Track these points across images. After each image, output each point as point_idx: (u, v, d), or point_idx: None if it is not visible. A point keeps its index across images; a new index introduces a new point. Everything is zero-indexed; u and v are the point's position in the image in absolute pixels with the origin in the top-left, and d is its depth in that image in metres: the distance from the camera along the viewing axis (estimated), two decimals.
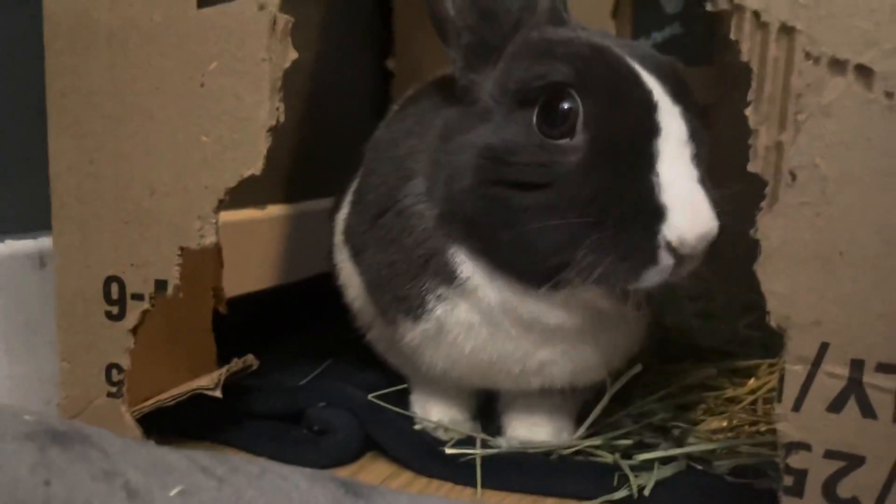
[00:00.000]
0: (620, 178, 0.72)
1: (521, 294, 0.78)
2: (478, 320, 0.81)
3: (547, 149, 0.74)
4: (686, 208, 0.70)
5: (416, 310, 0.83)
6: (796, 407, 0.64)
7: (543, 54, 0.76)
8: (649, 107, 0.73)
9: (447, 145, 0.80)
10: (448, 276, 0.80)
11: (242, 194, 0.84)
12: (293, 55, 0.75)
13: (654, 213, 0.70)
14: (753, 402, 0.98)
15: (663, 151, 0.72)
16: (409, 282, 0.83)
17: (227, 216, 0.82)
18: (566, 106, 0.74)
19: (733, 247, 0.74)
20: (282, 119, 0.76)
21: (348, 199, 0.98)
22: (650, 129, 0.72)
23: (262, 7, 0.75)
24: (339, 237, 0.98)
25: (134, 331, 0.84)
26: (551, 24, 0.82)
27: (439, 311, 0.82)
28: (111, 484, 0.49)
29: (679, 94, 0.75)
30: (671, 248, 0.70)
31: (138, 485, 0.50)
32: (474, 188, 0.76)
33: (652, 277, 0.71)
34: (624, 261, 0.71)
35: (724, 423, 0.92)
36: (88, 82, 0.84)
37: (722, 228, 0.72)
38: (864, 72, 0.60)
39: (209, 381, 0.85)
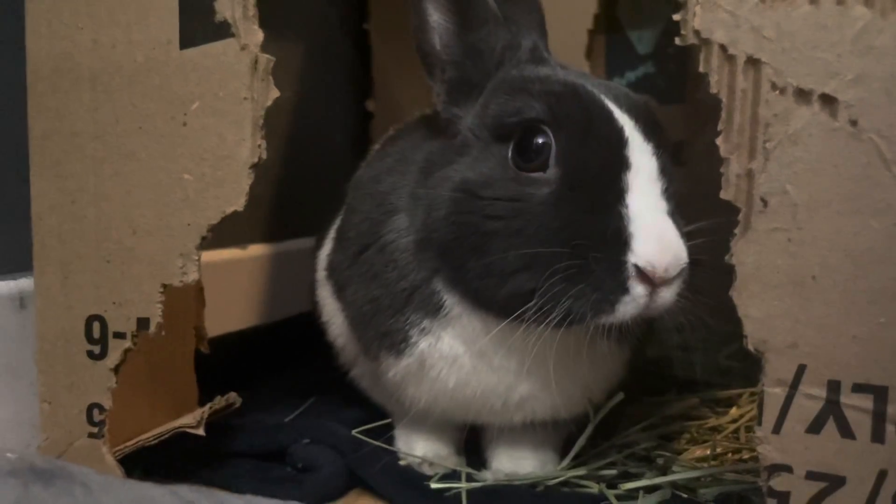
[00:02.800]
0: (590, 211, 0.73)
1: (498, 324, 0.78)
2: (462, 351, 0.81)
3: (520, 181, 0.75)
4: (653, 235, 0.71)
5: (399, 344, 0.83)
6: (776, 429, 0.65)
7: (520, 91, 0.78)
8: (620, 143, 0.74)
9: (427, 180, 0.81)
10: (432, 308, 0.81)
11: (224, 234, 0.85)
12: (275, 93, 0.77)
13: (623, 242, 0.71)
14: (736, 431, 0.98)
15: (633, 185, 0.73)
16: (392, 316, 0.83)
17: (208, 256, 0.82)
18: (540, 141, 0.75)
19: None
20: (264, 156, 0.77)
21: (331, 235, 0.99)
22: (620, 164, 0.74)
23: (243, 47, 0.76)
24: (321, 273, 0.99)
25: (116, 369, 0.83)
26: (532, 62, 0.84)
27: (423, 344, 0.82)
28: None
29: (651, 131, 0.77)
30: (642, 276, 0.70)
31: None
32: (448, 217, 0.78)
33: (626, 309, 0.71)
34: (595, 291, 0.71)
35: (708, 452, 0.92)
36: (71, 123, 0.85)
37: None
38: (828, 101, 0.62)
39: (192, 420, 0.85)
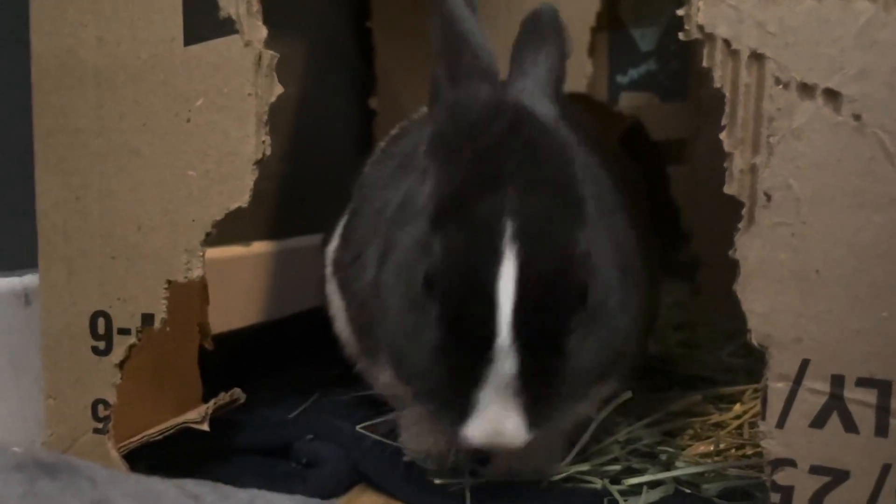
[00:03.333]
0: (457, 368, 0.71)
1: None
2: None
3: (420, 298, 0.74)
4: (482, 422, 0.69)
5: None
6: (780, 424, 0.65)
7: (423, 247, 0.74)
8: (485, 339, 0.69)
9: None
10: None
11: (227, 231, 0.85)
12: (279, 89, 0.77)
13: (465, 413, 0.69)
14: (739, 427, 0.98)
15: (489, 379, 0.69)
16: None
17: (212, 253, 0.82)
18: (428, 290, 0.73)
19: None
20: (268, 152, 0.78)
21: (338, 231, 1.00)
22: (482, 361, 0.69)
23: (247, 44, 0.76)
24: (329, 269, 0.99)
25: (121, 365, 0.84)
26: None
27: None
28: None
29: (542, 296, 0.70)
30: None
31: None
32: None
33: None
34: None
35: (711, 448, 0.92)
36: (75, 121, 0.85)
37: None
38: (832, 95, 0.62)
39: (196, 415, 0.85)
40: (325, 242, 1.05)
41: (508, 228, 0.69)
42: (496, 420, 0.69)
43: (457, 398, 0.70)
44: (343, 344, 1.03)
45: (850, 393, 0.63)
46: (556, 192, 0.73)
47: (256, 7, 0.76)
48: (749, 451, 0.91)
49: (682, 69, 1.80)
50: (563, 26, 0.83)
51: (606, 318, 0.75)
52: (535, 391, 0.69)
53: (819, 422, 0.64)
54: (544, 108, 0.80)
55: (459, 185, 0.73)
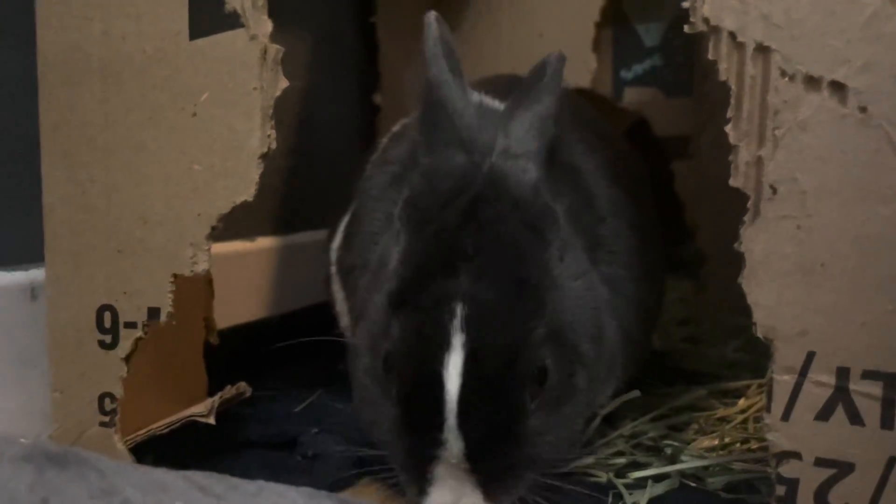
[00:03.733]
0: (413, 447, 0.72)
1: None
2: None
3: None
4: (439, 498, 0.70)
5: None
6: (785, 416, 0.65)
7: (384, 325, 0.76)
8: (433, 427, 0.70)
9: None
10: None
11: (232, 226, 0.86)
12: (284, 83, 0.77)
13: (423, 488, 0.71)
14: (744, 422, 0.98)
15: (439, 475, 0.71)
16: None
17: (217, 248, 0.82)
18: (387, 370, 0.76)
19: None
20: (273, 146, 0.78)
21: (340, 229, 1.00)
22: (432, 453, 0.71)
23: (252, 38, 0.76)
24: (333, 267, 1.00)
25: (127, 359, 0.84)
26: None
27: None
28: (109, 502, 0.49)
29: (481, 401, 0.70)
30: None
31: (136, 503, 0.50)
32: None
33: None
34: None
35: (716, 442, 0.92)
36: (81, 115, 0.85)
37: None
38: (837, 88, 0.62)
39: (203, 408, 0.85)
40: (329, 240, 1.06)
41: (458, 314, 0.70)
42: (452, 497, 0.70)
43: (415, 473, 0.72)
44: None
45: (856, 385, 0.63)
46: (511, 277, 0.73)
47: (262, 1, 0.76)
48: (754, 446, 0.91)
49: (686, 64, 1.80)
50: (561, 79, 0.82)
51: (572, 392, 0.76)
52: (490, 469, 0.70)
53: (824, 414, 0.64)
54: (522, 174, 0.79)
55: (416, 267, 0.75)
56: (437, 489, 0.70)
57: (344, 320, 1.00)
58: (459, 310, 0.70)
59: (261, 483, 0.57)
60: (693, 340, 1.40)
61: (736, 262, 0.67)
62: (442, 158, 0.81)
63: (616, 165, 0.95)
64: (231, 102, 0.78)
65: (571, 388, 0.76)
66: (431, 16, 0.83)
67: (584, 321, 0.79)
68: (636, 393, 0.87)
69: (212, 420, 0.85)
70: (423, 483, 0.71)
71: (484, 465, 0.70)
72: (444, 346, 0.70)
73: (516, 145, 0.79)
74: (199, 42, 0.79)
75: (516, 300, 0.72)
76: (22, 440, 0.55)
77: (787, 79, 0.63)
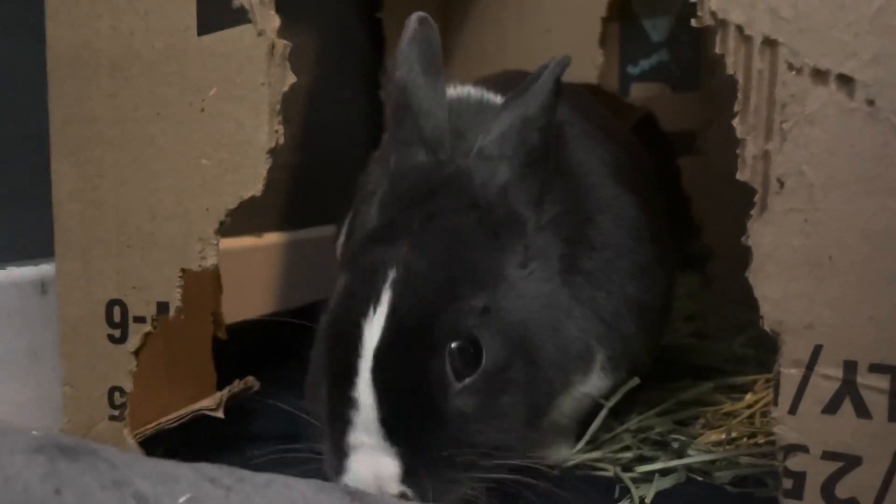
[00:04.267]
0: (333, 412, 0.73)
1: None
2: None
3: None
4: (354, 473, 0.69)
5: None
6: (792, 410, 0.65)
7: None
8: (349, 378, 0.71)
9: None
10: None
11: (240, 222, 0.86)
12: (291, 79, 0.77)
13: (339, 466, 0.71)
14: (751, 416, 0.98)
15: (353, 421, 0.70)
16: None
17: (225, 244, 0.83)
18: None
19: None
20: (281, 141, 0.78)
21: (345, 225, 1.01)
22: (348, 402, 0.71)
23: (260, 33, 0.77)
24: (339, 262, 1.01)
25: (136, 353, 0.84)
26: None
27: None
28: (121, 492, 0.50)
29: (392, 366, 0.70)
30: None
31: (147, 493, 0.50)
32: None
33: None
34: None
35: (723, 436, 0.93)
36: (90, 110, 0.86)
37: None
38: (845, 81, 0.62)
39: (212, 402, 0.86)
40: (337, 236, 1.06)
41: (389, 277, 0.72)
42: (366, 466, 0.69)
43: (333, 448, 0.72)
44: None
45: (863, 379, 0.63)
46: (449, 254, 0.74)
47: None
48: (761, 440, 0.91)
49: (693, 59, 1.79)
50: (554, 83, 0.79)
51: (513, 385, 0.74)
52: (410, 442, 0.69)
53: (832, 408, 0.64)
54: (491, 176, 0.79)
55: (365, 238, 0.80)
56: (353, 463, 0.69)
57: None
58: (392, 273, 0.72)
59: (270, 475, 0.58)
60: (700, 335, 1.40)
61: (743, 257, 0.67)
62: (404, 157, 0.83)
63: (619, 161, 0.95)
64: (239, 98, 0.79)
65: (512, 381, 0.74)
66: (414, 17, 0.85)
67: (541, 323, 0.78)
68: (636, 381, 0.87)
69: (220, 414, 0.86)
70: (340, 457, 0.70)
71: (400, 434, 0.69)
72: (369, 303, 0.71)
73: (492, 146, 0.79)
74: (207, 38, 0.80)
75: (448, 272, 0.73)
76: (34, 432, 0.56)
77: (794, 72, 0.63)
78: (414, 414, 0.70)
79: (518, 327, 0.76)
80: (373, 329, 0.70)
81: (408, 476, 0.68)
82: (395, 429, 0.69)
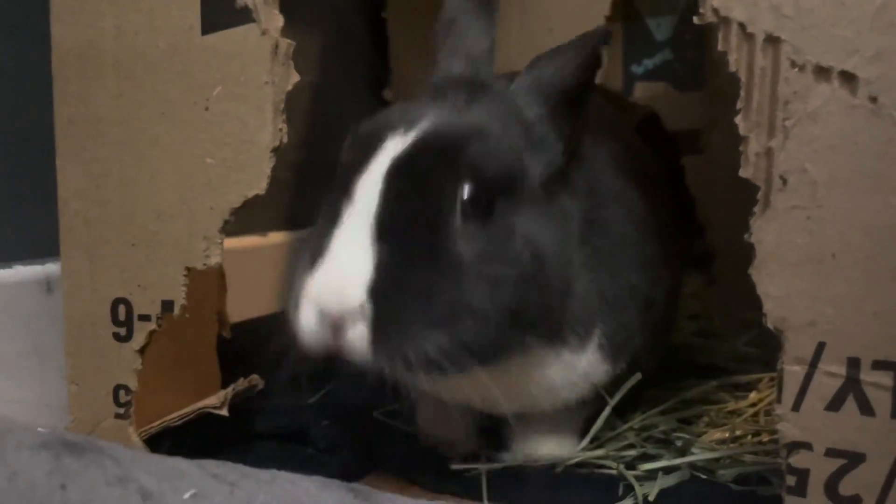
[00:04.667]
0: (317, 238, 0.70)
1: None
2: None
3: None
4: (324, 267, 0.65)
5: None
6: (796, 407, 0.65)
7: None
8: (355, 173, 0.70)
9: None
10: None
11: (245, 222, 0.86)
12: (295, 78, 0.78)
13: (312, 266, 0.67)
14: (755, 415, 0.98)
15: (344, 219, 0.68)
16: None
17: (229, 243, 0.83)
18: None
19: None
20: (285, 140, 0.79)
21: None
22: (345, 195, 0.70)
23: (264, 32, 0.77)
24: None
25: (141, 351, 0.85)
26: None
27: None
28: (125, 488, 0.50)
29: (406, 172, 0.69)
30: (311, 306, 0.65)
31: (152, 489, 0.51)
32: None
33: (306, 339, 0.66)
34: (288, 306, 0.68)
35: (727, 435, 0.93)
36: (95, 109, 0.86)
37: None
38: (848, 78, 0.62)
39: (216, 400, 0.86)
40: None
41: (428, 109, 0.74)
42: (336, 269, 0.65)
43: (313, 253, 0.67)
44: None
45: (866, 376, 0.63)
46: (494, 118, 0.75)
47: None
48: (765, 438, 0.91)
49: (697, 58, 1.79)
50: (596, 49, 0.78)
51: (507, 266, 0.69)
52: (393, 250, 0.65)
53: (835, 405, 0.64)
54: (527, 101, 0.79)
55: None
56: (324, 262, 0.65)
57: None
58: (430, 108, 0.74)
59: (274, 471, 0.58)
60: (704, 334, 1.40)
61: (747, 256, 0.67)
62: (447, 68, 0.85)
63: (626, 158, 0.95)
64: (243, 97, 0.79)
65: (511, 263, 0.70)
66: None
67: (555, 251, 0.75)
68: (638, 376, 0.87)
69: (225, 412, 0.86)
70: (314, 257, 0.66)
71: (388, 239, 0.65)
72: (402, 122, 0.72)
73: (531, 80, 0.80)
74: (211, 37, 0.80)
75: (488, 126, 0.73)
76: (40, 429, 0.56)
77: (797, 69, 0.63)
78: (410, 227, 0.67)
79: (535, 234, 0.73)
80: (397, 142, 0.70)
81: (376, 293, 0.64)
82: (385, 230, 0.66)
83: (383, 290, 0.64)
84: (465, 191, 0.69)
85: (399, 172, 0.68)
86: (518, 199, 0.73)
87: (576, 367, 0.84)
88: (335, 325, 0.64)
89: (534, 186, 0.76)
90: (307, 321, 0.65)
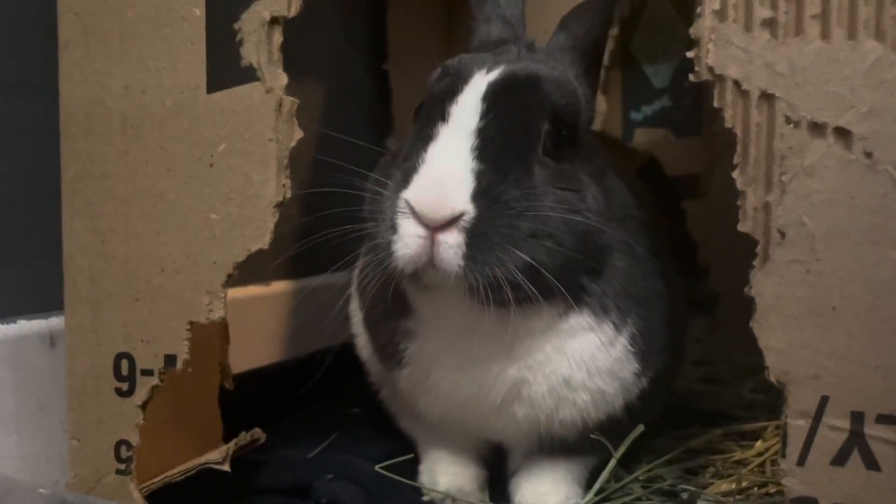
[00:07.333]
0: (408, 157, 0.77)
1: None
2: (441, 346, 0.82)
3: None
4: (425, 175, 0.71)
5: (398, 354, 0.86)
6: (801, 461, 0.65)
7: None
8: (447, 98, 0.77)
9: None
10: (405, 306, 0.83)
11: (247, 272, 0.87)
12: (299, 134, 0.79)
13: (407, 183, 0.72)
14: (762, 464, 0.97)
15: (441, 135, 0.74)
16: (385, 324, 0.87)
17: (232, 293, 0.84)
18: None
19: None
20: (288, 195, 0.80)
21: (356, 270, 1.01)
22: (440, 116, 0.76)
23: (268, 90, 0.78)
24: (354, 286, 1.01)
25: (143, 406, 0.85)
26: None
27: (411, 348, 0.84)
28: None
29: (503, 94, 0.77)
30: (414, 214, 0.70)
31: None
32: None
33: (401, 250, 0.71)
34: (378, 237, 0.74)
35: (733, 486, 0.92)
36: (102, 166, 0.87)
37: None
38: (842, 134, 0.63)
39: (218, 455, 0.85)
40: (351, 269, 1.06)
41: (497, 61, 0.80)
42: (441, 177, 0.71)
43: (405, 173, 0.74)
44: (367, 370, 1.03)
45: (871, 430, 0.63)
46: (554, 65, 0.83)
47: (277, 55, 0.78)
48: (772, 489, 0.90)
49: (695, 105, 1.81)
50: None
51: (580, 201, 0.77)
52: (495, 164, 0.72)
53: (840, 459, 0.64)
54: (565, 61, 0.86)
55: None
56: (423, 172, 0.72)
57: (360, 340, 1.00)
58: (496, 59, 0.81)
59: None
60: (708, 381, 1.39)
61: (750, 300, 0.67)
62: (484, 34, 0.91)
63: (631, 197, 0.95)
64: (247, 153, 0.80)
65: (583, 198, 0.78)
66: None
67: (598, 189, 0.82)
68: (641, 428, 0.86)
69: (227, 467, 0.85)
70: (411, 173, 0.73)
71: (489, 151, 0.72)
72: (483, 64, 0.79)
73: (551, 45, 0.88)
74: (217, 95, 0.81)
75: (559, 70, 0.82)
76: (41, 490, 0.56)
77: (792, 125, 0.64)
78: (503, 149, 0.73)
79: (587, 182, 0.81)
80: (485, 76, 0.77)
81: (476, 202, 0.70)
82: (480, 148, 0.72)
83: (482, 202, 0.70)
84: (547, 124, 0.77)
85: (495, 97, 0.76)
86: (576, 146, 0.81)
87: (609, 353, 0.82)
88: (435, 230, 0.69)
89: (583, 140, 0.83)
90: (405, 230, 0.71)
